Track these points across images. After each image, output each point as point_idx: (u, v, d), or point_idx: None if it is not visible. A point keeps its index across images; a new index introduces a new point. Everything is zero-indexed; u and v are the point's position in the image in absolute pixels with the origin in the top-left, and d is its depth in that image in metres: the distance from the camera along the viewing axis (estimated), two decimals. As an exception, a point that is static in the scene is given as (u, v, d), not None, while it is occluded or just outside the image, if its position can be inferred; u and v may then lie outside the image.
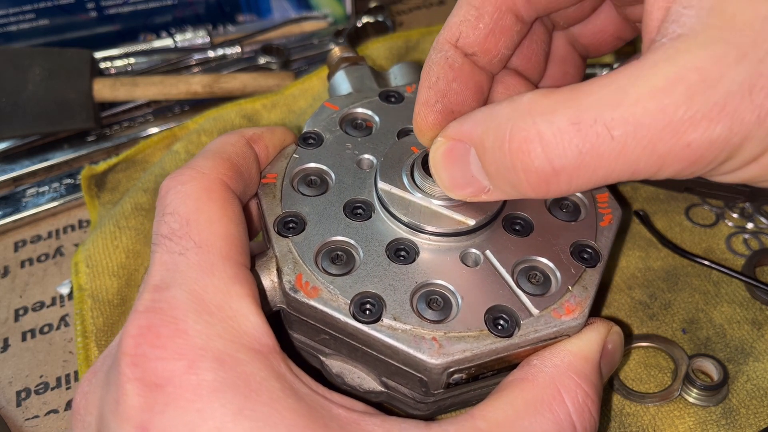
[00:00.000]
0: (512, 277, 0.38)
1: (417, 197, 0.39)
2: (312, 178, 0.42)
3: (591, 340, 0.37)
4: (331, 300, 0.36)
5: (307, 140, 0.44)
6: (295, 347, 0.42)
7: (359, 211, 0.40)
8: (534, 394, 0.34)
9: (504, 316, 0.36)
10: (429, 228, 0.38)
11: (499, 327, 0.36)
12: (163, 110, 0.72)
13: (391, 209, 0.39)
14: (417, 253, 0.38)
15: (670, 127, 0.27)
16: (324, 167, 0.43)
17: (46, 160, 0.66)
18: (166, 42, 0.78)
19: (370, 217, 0.40)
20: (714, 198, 0.57)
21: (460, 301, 0.37)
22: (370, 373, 0.39)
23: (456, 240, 0.39)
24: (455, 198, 0.36)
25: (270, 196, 0.41)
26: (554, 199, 0.42)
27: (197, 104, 0.72)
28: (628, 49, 0.70)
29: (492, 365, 0.36)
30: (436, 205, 0.39)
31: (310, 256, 0.38)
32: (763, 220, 0.55)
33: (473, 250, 0.39)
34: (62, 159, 0.66)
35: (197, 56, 0.76)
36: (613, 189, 0.57)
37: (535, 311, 0.37)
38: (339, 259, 0.38)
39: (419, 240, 0.39)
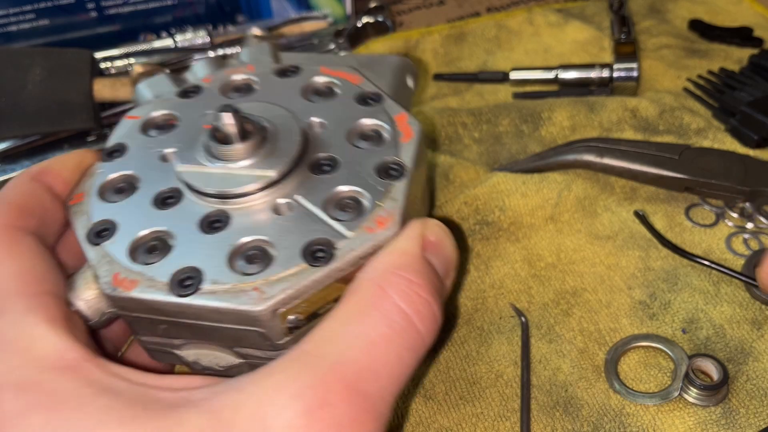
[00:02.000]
0: (325, 212, 0.38)
1: (216, 166, 0.40)
2: (120, 185, 0.42)
3: (406, 237, 0.37)
4: (150, 286, 0.36)
5: (111, 154, 0.44)
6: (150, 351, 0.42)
7: (170, 199, 0.40)
8: (357, 300, 0.33)
9: (320, 247, 0.36)
10: (234, 191, 0.39)
11: (317, 257, 0.36)
12: (163, 110, 0.72)
13: (194, 185, 0.39)
14: (230, 219, 0.39)
15: None
16: (129, 172, 0.43)
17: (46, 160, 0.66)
18: (166, 42, 0.78)
19: (181, 201, 0.40)
20: (714, 198, 0.57)
21: (277, 248, 0.37)
22: (222, 350, 0.39)
23: (263, 195, 0.39)
24: None
25: (79, 214, 0.41)
26: (358, 131, 0.43)
27: (197, 104, 0.72)
28: (628, 49, 0.70)
29: (324, 297, 0.37)
30: (236, 168, 0.39)
31: (124, 254, 0.38)
32: (763, 220, 0.55)
33: (282, 200, 0.39)
34: (62, 159, 0.66)
35: (197, 56, 0.76)
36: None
37: (349, 234, 0.37)
38: (155, 249, 0.38)
39: (229, 207, 0.39)
